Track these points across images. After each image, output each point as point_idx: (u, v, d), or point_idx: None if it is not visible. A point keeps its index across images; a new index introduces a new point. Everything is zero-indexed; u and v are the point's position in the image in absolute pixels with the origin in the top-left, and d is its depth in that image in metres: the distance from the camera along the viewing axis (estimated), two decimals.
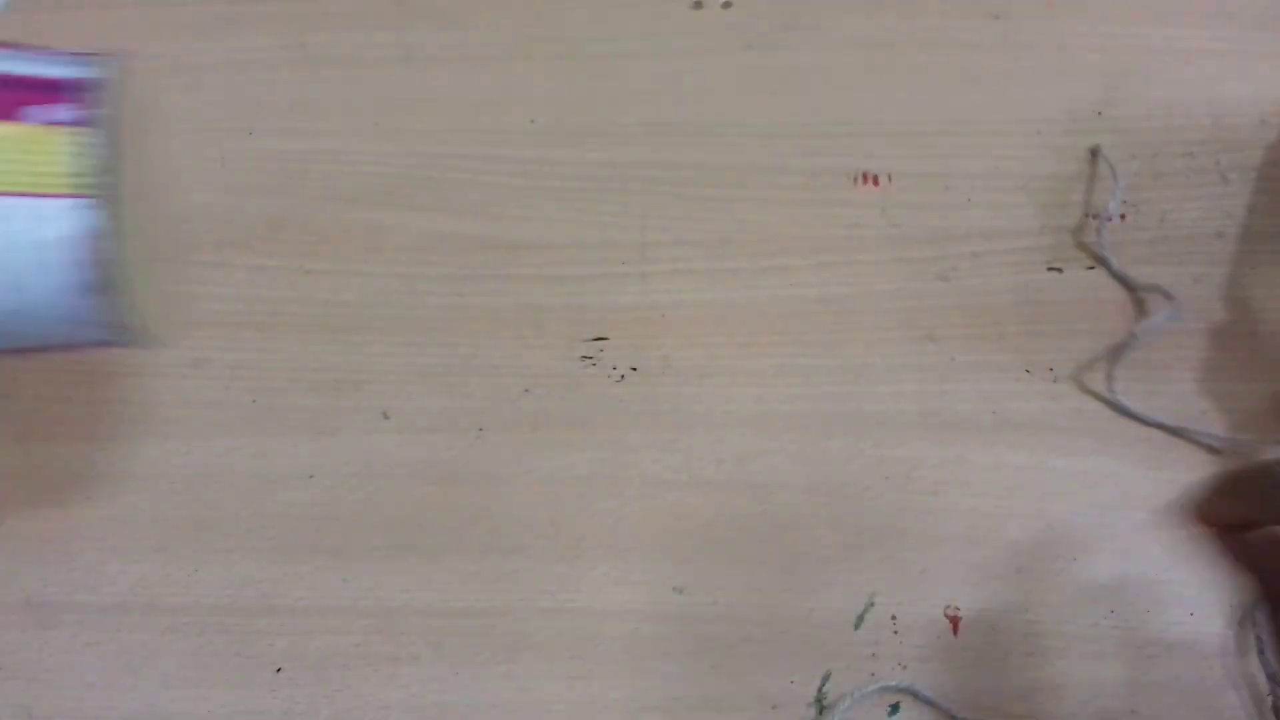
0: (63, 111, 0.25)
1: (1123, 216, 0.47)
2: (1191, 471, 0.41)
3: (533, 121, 0.51)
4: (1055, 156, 0.49)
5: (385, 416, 0.43)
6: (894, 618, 0.39)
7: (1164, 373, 0.44)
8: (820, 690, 0.38)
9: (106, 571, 0.41)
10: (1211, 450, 0.42)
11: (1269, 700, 0.35)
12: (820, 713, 0.38)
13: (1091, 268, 0.46)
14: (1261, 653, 0.35)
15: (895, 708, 0.38)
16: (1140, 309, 0.42)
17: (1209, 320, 0.45)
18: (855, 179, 0.49)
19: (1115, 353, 0.41)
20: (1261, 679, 0.37)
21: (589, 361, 0.44)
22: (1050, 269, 0.46)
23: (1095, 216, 0.39)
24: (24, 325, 0.27)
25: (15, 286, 0.26)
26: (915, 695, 0.37)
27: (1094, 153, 0.39)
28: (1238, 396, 0.43)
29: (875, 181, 0.49)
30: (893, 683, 0.38)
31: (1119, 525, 0.40)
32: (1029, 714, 0.37)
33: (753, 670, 0.39)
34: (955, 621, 0.39)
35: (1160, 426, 0.42)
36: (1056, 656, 0.38)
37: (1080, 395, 0.43)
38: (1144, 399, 0.43)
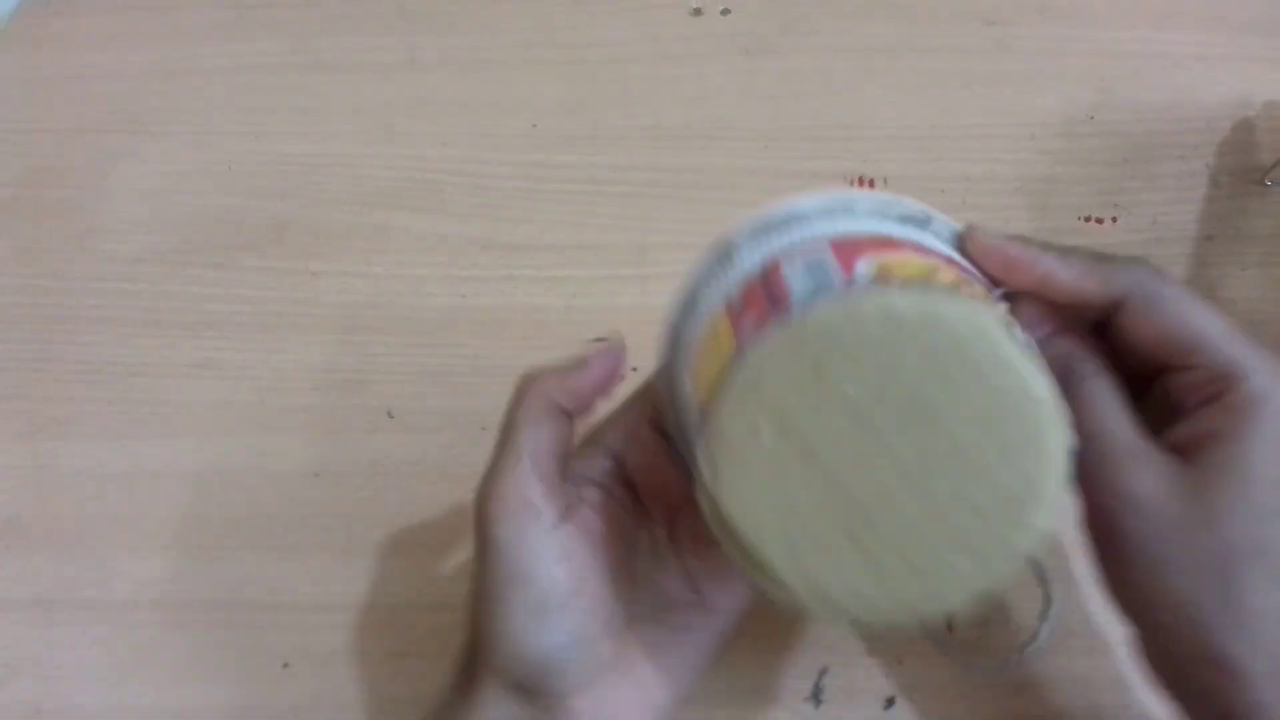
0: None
1: (1114, 219, 0.48)
2: None
3: (534, 125, 0.52)
4: (1049, 160, 0.49)
5: (390, 416, 0.44)
6: None
7: None
8: (816, 685, 0.39)
9: (115, 568, 0.41)
10: None
11: None
12: (817, 707, 0.38)
13: None
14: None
15: (890, 702, 0.38)
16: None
17: None
18: (852, 182, 0.49)
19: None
20: None
21: None
22: None
23: (1021, 650, 0.36)
24: None
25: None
26: None
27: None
28: None
29: (871, 184, 0.49)
30: None
31: None
32: (1023, 709, 0.37)
33: (750, 665, 0.39)
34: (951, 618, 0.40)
35: None
36: (1050, 653, 0.39)
37: None
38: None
